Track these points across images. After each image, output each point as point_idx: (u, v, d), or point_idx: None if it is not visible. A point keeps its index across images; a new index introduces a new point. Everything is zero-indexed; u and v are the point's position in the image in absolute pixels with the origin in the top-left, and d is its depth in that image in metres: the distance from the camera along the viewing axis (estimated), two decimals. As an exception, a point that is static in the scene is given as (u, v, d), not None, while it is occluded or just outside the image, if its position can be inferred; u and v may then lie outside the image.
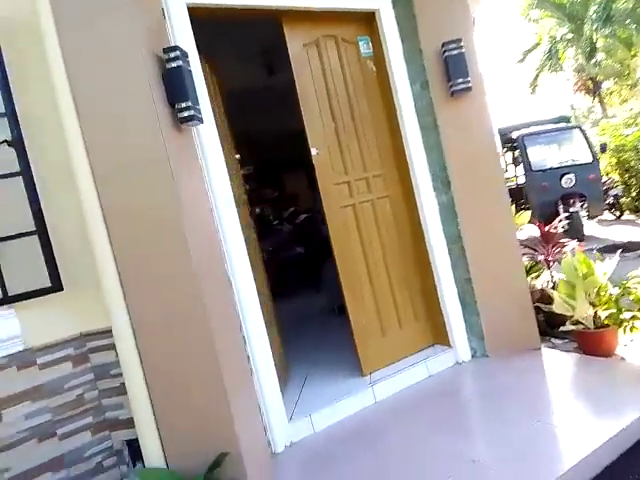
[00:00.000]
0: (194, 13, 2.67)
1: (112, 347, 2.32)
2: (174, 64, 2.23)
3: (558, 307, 3.25)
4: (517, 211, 8.25)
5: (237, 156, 3.43)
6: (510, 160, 9.52)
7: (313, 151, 3.16)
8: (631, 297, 3.09)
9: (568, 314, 3.25)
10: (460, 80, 3.14)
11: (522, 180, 8.95)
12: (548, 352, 3.33)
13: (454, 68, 3.15)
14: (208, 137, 2.63)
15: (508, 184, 9.82)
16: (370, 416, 2.90)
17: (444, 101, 3.26)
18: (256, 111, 5.51)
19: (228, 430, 2.17)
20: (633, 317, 2.95)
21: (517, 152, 8.91)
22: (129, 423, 2.35)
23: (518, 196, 8.92)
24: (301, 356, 3.83)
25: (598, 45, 16.92)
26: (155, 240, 2.16)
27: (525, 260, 4.00)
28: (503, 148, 9.64)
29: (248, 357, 2.68)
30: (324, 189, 3.19)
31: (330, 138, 3.26)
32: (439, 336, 3.50)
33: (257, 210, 7.13)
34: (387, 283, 3.41)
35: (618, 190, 9.58)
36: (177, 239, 2.15)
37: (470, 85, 3.16)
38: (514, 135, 8.82)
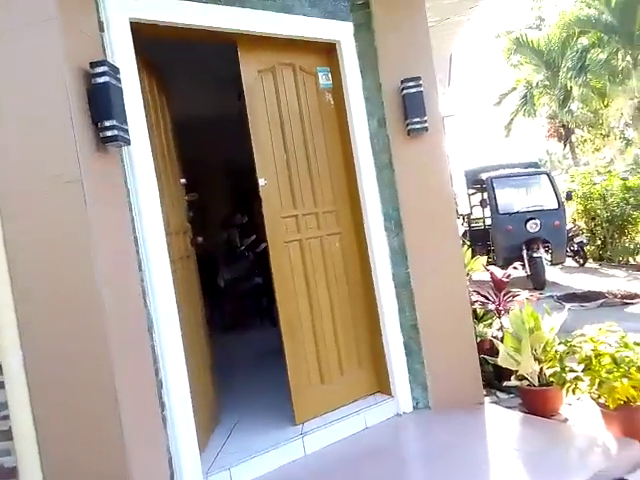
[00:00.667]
0: (140, 31, 2.52)
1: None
2: (100, 80, 2.06)
3: (503, 360, 3.13)
4: (487, 253, 8.31)
5: (182, 181, 3.25)
6: (478, 202, 9.57)
7: (261, 181, 3.00)
8: (575, 356, 2.98)
9: (513, 368, 3.13)
10: (417, 119, 3.05)
11: (489, 222, 8.97)
12: (491, 408, 3.19)
13: (411, 107, 3.06)
14: (140, 159, 2.45)
15: (474, 225, 9.88)
16: (296, 472, 2.68)
17: (400, 140, 3.16)
18: (232, 138, 5.37)
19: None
20: (576, 378, 2.84)
21: (485, 194, 8.94)
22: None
23: (484, 238, 8.93)
24: (240, 399, 3.59)
25: (574, 93, 17.43)
26: (59, 273, 1.96)
27: (478, 307, 3.89)
28: (471, 189, 9.70)
29: (163, 405, 2.45)
30: (270, 221, 3.03)
31: (280, 169, 3.12)
32: (381, 384, 3.33)
33: (225, 235, 6.91)
34: (331, 326, 3.24)
35: (583, 238, 9.69)
36: (84, 271, 1.95)
37: (426, 125, 3.07)
38: (483, 177, 8.87)
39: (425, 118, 3.08)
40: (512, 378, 3.17)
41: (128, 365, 2.09)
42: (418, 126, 3.07)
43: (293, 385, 3.02)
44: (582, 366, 2.82)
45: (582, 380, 2.79)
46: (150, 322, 2.45)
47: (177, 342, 2.53)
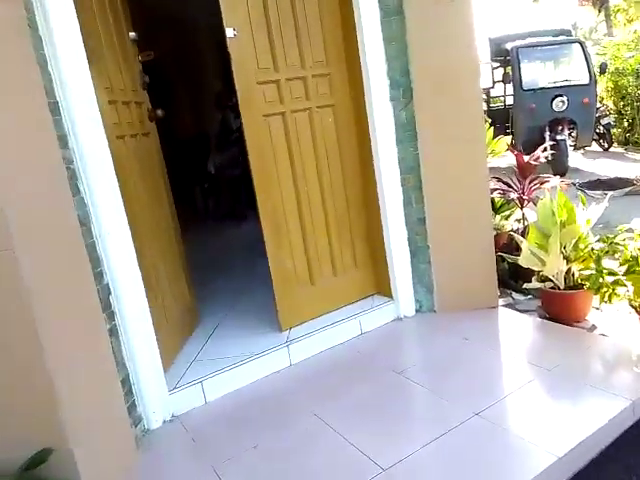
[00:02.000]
0: None
1: None
2: None
3: (525, 260, 2.64)
4: (506, 135, 7.53)
5: (132, 35, 2.52)
6: (500, 77, 8.52)
7: (228, 32, 2.29)
8: (616, 256, 2.48)
9: (536, 269, 2.65)
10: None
11: (511, 101, 8.04)
12: (506, 313, 2.77)
13: None
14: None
15: (494, 105, 8.93)
16: (279, 384, 2.33)
17: (414, -25, 2.38)
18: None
19: (50, 418, 1.56)
20: (616, 282, 2.36)
21: (509, 68, 7.91)
22: None
23: (504, 118, 8.06)
24: (224, 299, 3.21)
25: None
26: None
27: (497, 196, 3.32)
28: (494, 61, 8.59)
29: (113, 314, 2.02)
30: (243, 89, 2.37)
31: (255, 15, 2.38)
32: (380, 285, 2.90)
33: (219, 116, 6.19)
34: (322, 218, 2.71)
35: (610, 119, 8.78)
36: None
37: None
38: (508, 46, 7.78)
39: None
40: (533, 279, 2.71)
41: (50, 271, 1.60)
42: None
43: (277, 288, 2.58)
44: (624, 268, 2.33)
45: (623, 285, 2.32)
46: (85, 213, 1.93)
47: (126, 239, 2.03)
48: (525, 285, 2.73)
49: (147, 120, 2.63)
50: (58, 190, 1.76)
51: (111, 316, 2.04)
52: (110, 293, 2.04)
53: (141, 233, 2.24)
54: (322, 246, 2.74)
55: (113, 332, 2.04)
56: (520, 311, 2.79)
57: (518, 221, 3.38)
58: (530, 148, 4.37)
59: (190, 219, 6.29)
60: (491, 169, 4.22)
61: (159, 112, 2.68)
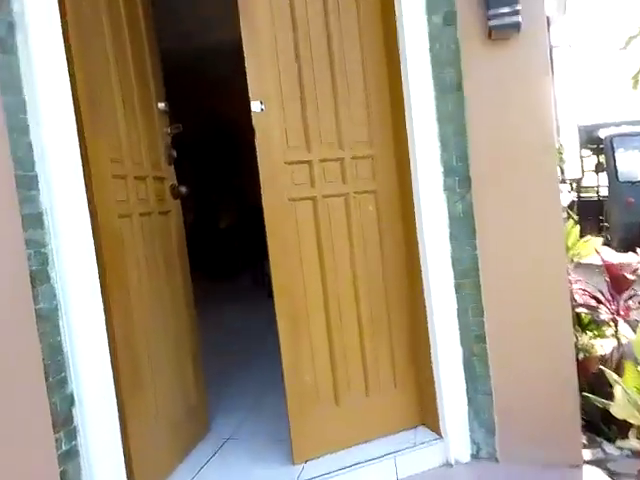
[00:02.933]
0: None
1: None
2: None
3: (620, 409, 1.94)
4: (599, 231, 6.71)
5: (161, 105, 2.34)
6: (593, 166, 7.82)
7: (254, 106, 2.00)
8: None
9: (635, 423, 1.94)
10: (504, 9, 1.86)
11: (605, 192, 7.27)
12: (594, 474, 2.04)
13: (497, -11, 1.87)
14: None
15: (586, 195, 8.15)
16: None
17: (477, 45, 1.99)
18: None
19: None
20: None
21: (602, 157, 7.23)
22: None
23: (597, 212, 7.26)
24: (247, 395, 2.77)
25: None
26: None
27: (583, 312, 2.66)
28: (586, 149, 7.93)
29: (74, 430, 1.63)
30: (266, 169, 2.04)
31: (288, 86, 2.08)
32: (426, 415, 2.29)
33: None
34: (354, 321, 2.23)
35: None
36: None
37: (519, 19, 1.87)
38: (601, 134, 7.14)
39: (517, 7, 1.87)
40: (631, 434, 1.99)
41: None
42: (506, 20, 1.88)
43: (292, 407, 2.08)
44: None
45: None
46: (53, 307, 1.61)
47: (100, 335, 1.68)
48: (619, 443, 2.02)
49: (169, 197, 2.38)
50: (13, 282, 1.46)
51: (71, 434, 1.65)
52: (73, 404, 1.66)
53: (134, 320, 1.90)
54: (352, 355, 2.22)
55: (71, 454, 1.64)
56: (614, 474, 2.05)
57: (613, 336, 2.66)
58: (627, 247, 3.65)
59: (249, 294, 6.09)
60: (579, 266, 3.55)
61: (182, 189, 2.42)
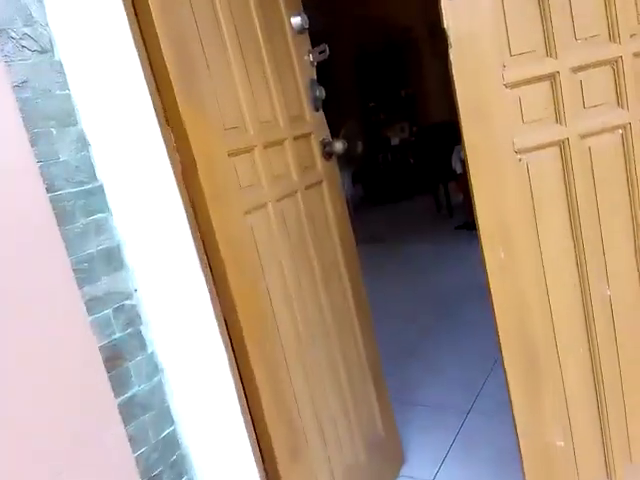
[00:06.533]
0: None
1: None
2: None
3: None
4: None
5: (296, 21, 1.53)
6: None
7: None
8: None
9: None
10: None
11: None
12: None
13: None
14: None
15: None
16: None
17: None
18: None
19: None
20: None
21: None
22: None
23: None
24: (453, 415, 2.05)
25: None
26: None
27: None
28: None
29: None
30: (469, 95, 1.13)
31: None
32: None
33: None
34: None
35: None
36: None
37: None
38: None
39: None
40: None
41: None
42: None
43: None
44: None
45: None
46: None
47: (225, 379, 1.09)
48: None
49: (320, 160, 1.63)
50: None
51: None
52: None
53: (284, 361, 1.29)
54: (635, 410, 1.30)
55: None
56: None
57: None
58: None
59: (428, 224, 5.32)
60: None
61: (338, 145, 1.64)
